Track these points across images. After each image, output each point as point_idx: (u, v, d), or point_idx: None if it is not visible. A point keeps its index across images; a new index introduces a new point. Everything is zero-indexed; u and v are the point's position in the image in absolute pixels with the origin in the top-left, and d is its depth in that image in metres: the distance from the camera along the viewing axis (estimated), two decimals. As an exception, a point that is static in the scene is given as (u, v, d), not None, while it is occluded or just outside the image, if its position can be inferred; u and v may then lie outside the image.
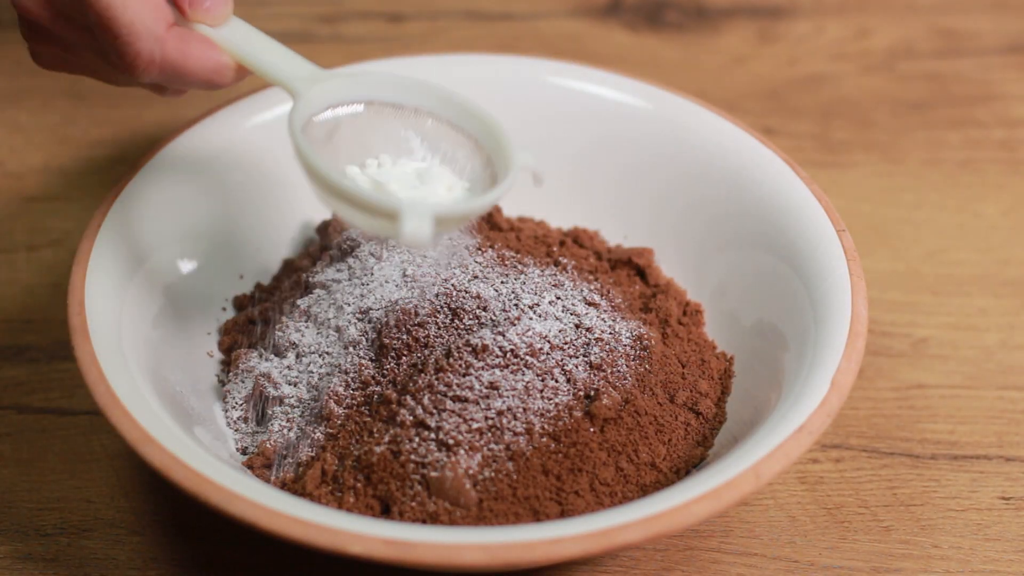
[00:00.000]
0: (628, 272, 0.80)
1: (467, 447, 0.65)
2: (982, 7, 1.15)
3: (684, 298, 0.80)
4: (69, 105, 1.00)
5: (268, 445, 0.70)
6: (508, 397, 0.66)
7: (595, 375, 0.69)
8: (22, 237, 0.89)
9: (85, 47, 0.65)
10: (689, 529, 0.71)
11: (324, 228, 0.81)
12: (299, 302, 0.74)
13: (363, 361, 0.70)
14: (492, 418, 0.66)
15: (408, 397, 0.67)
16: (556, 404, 0.67)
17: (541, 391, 0.67)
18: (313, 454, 0.69)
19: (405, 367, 0.69)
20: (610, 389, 0.69)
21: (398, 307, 0.71)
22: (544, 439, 0.66)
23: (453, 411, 0.66)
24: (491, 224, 0.81)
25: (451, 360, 0.67)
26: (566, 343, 0.70)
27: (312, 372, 0.72)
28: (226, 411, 0.73)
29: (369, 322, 0.72)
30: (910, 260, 0.90)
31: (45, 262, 0.87)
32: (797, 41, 1.11)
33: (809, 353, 0.68)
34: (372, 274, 0.74)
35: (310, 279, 0.75)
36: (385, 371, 0.70)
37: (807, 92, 1.06)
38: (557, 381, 0.68)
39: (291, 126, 0.63)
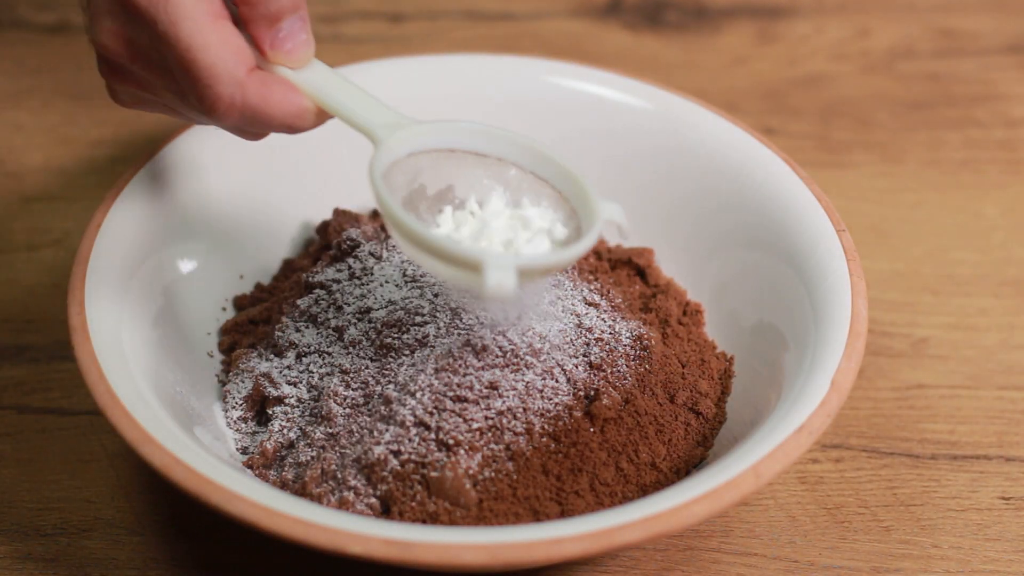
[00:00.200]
0: (628, 272, 0.80)
1: (467, 447, 0.65)
2: (982, 7, 1.15)
3: (684, 298, 0.80)
4: (69, 105, 1.00)
5: (268, 445, 0.70)
6: (508, 397, 0.66)
7: (595, 375, 0.69)
8: (22, 237, 0.89)
9: (164, 87, 0.64)
10: (689, 529, 0.71)
11: (324, 228, 0.81)
12: (299, 302, 0.74)
13: (363, 361, 0.70)
14: (492, 418, 0.66)
15: (408, 397, 0.67)
16: (556, 404, 0.67)
17: (541, 391, 0.67)
18: (313, 454, 0.69)
19: (405, 367, 0.69)
20: (610, 389, 0.68)
21: (398, 307, 0.71)
22: (544, 439, 0.66)
23: (453, 411, 0.66)
24: (491, 224, 0.81)
25: (451, 360, 0.67)
26: (566, 343, 0.70)
27: (312, 372, 0.72)
28: (226, 411, 0.73)
29: (369, 322, 0.72)
30: (910, 260, 0.90)
31: (45, 262, 0.87)
32: (797, 41, 1.11)
33: (809, 353, 0.68)
34: (372, 274, 0.74)
35: (310, 279, 0.75)
36: (385, 371, 0.70)
37: (807, 92, 1.06)
38: (557, 381, 0.68)
39: (372, 173, 0.61)
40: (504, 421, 0.66)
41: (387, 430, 0.66)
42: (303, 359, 0.73)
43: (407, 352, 0.70)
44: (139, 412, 0.63)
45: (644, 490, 0.68)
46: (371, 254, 0.75)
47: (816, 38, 1.12)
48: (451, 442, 0.65)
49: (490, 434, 0.66)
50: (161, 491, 0.72)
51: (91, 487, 0.73)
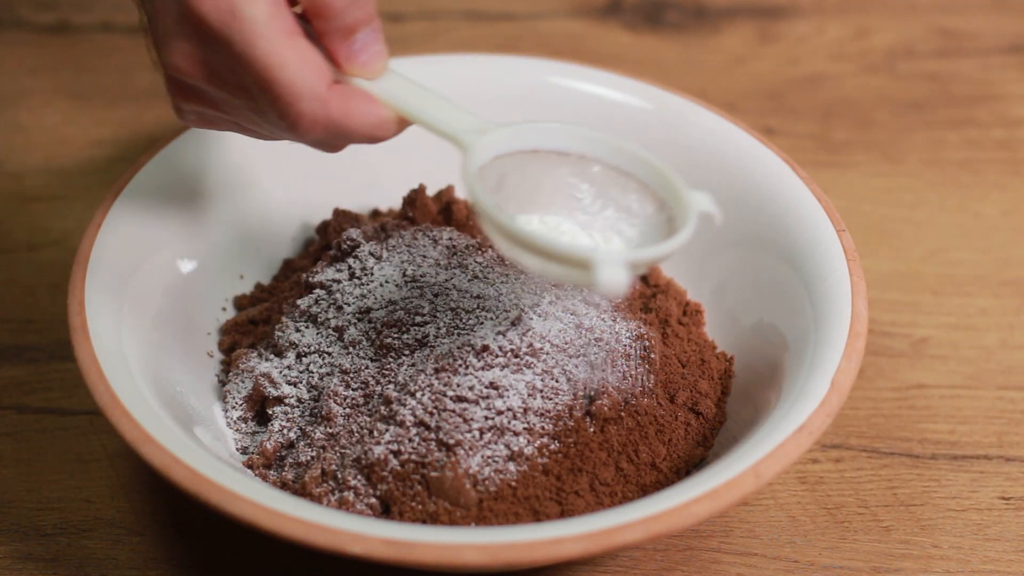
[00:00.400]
0: (628, 272, 0.80)
1: (467, 447, 0.65)
2: (982, 7, 1.15)
3: (684, 298, 0.80)
4: (69, 105, 1.00)
5: (268, 445, 0.70)
6: (508, 397, 0.66)
7: (595, 375, 0.69)
8: (22, 237, 0.89)
9: (240, 107, 0.63)
10: (689, 529, 0.71)
11: (324, 228, 0.81)
12: (299, 302, 0.74)
13: (363, 361, 0.70)
14: (492, 418, 0.66)
15: (408, 397, 0.67)
16: (556, 404, 0.67)
17: (541, 391, 0.67)
18: (313, 454, 0.69)
19: (405, 367, 0.69)
20: (610, 389, 0.69)
21: (398, 307, 0.71)
22: (544, 439, 0.66)
23: (453, 411, 0.66)
24: (491, 224, 0.81)
25: (451, 360, 0.67)
26: (566, 343, 0.70)
27: (312, 372, 0.72)
28: (226, 411, 0.73)
29: (369, 322, 0.72)
30: (910, 260, 0.90)
31: (45, 262, 0.87)
32: (797, 41, 1.11)
33: (809, 353, 0.68)
34: (372, 274, 0.74)
35: (310, 279, 0.75)
36: (385, 371, 0.70)
37: (807, 92, 1.06)
38: (557, 381, 0.68)
39: (468, 181, 0.61)
40: (504, 421, 0.66)
41: (387, 430, 0.66)
42: (303, 359, 0.73)
43: (407, 352, 0.70)
44: (139, 412, 0.63)
45: (644, 490, 0.68)
46: (371, 254, 0.75)
47: (816, 38, 1.12)
48: (451, 442, 0.65)
49: (490, 434, 0.66)
50: (161, 491, 0.72)
51: (91, 487, 0.73)
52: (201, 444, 0.66)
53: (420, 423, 0.66)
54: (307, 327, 0.73)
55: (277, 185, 0.82)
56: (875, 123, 1.02)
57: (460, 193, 0.82)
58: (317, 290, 0.75)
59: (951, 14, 1.14)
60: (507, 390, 0.67)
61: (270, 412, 0.72)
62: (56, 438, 0.76)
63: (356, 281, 0.74)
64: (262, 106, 0.62)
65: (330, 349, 0.72)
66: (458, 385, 0.66)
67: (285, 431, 0.71)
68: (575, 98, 0.84)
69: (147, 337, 0.71)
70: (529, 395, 0.67)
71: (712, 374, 0.74)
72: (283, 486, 0.68)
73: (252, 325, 0.77)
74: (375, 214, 0.84)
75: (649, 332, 0.73)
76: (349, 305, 0.73)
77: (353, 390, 0.70)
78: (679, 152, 0.82)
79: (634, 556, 0.70)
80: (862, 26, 1.13)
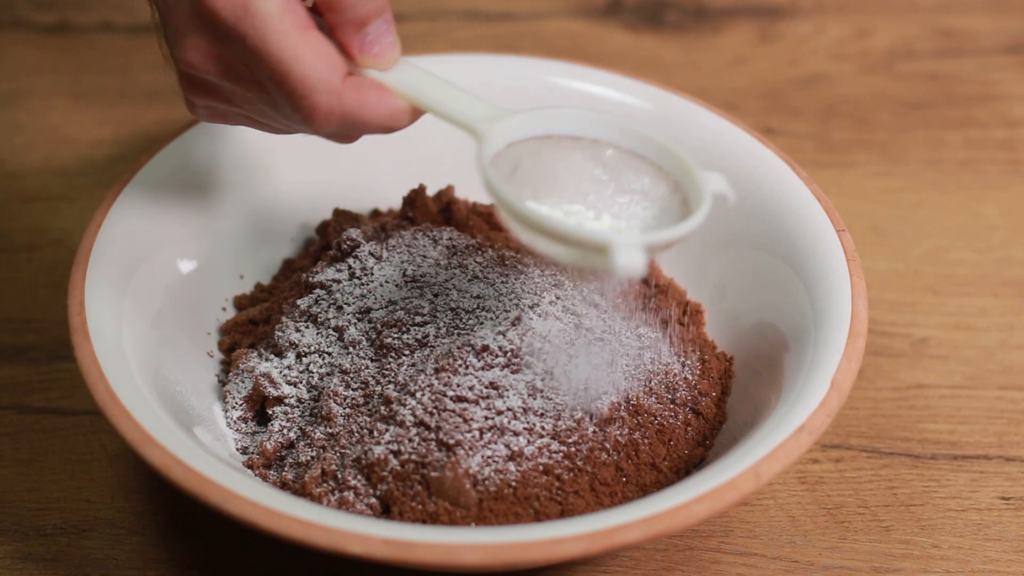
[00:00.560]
0: (628, 272, 0.80)
1: (467, 447, 0.65)
2: (982, 7, 1.15)
3: (684, 298, 0.80)
4: (69, 105, 1.00)
5: (268, 445, 0.70)
6: (508, 397, 0.66)
7: (595, 375, 0.69)
8: (22, 237, 0.89)
9: (254, 100, 0.64)
10: (689, 529, 0.71)
11: (324, 228, 0.81)
12: (299, 302, 0.74)
13: (363, 361, 0.70)
14: (492, 418, 0.66)
15: (408, 397, 0.67)
16: (556, 404, 0.67)
17: (541, 391, 0.67)
18: (313, 454, 0.69)
19: (405, 367, 0.69)
20: (610, 389, 0.69)
21: (398, 307, 0.71)
22: (544, 439, 0.66)
23: (453, 411, 0.66)
24: (491, 224, 0.81)
25: (451, 360, 0.67)
26: (566, 343, 0.70)
27: (312, 372, 0.72)
28: (226, 411, 0.73)
29: (369, 322, 0.72)
30: (910, 260, 0.90)
31: (45, 262, 0.87)
32: (797, 41, 1.11)
33: (809, 353, 0.68)
34: (372, 274, 0.74)
35: (310, 279, 0.75)
36: (385, 371, 0.70)
37: (807, 92, 1.06)
38: (557, 381, 0.68)
39: (483, 168, 0.62)
40: (504, 421, 0.66)
41: (387, 430, 0.66)
42: (303, 359, 0.73)
43: (407, 352, 0.70)
44: (139, 412, 0.63)
45: (644, 490, 0.68)
46: (371, 254, 0.75)
47: (816, 38, 1.12)
48: (451, 442, 0.65)
49: (490, 434, 0.66)
50: (161, 491, 0.72)
51: (91, 487, 0.73)
52: (201, 444, 0.66)
53: (420, 423, 0.66)
54: (307, 327, 0.73)
55: (277, 185, 0.82)
56: (875, 123, 1.02)
57: (460, 193, 0.82)
58: (317, 290, 0.75)
59: (951, 14, 1.14)
60: (507, 390, 0.67)
61: (270, 412, 0.72)
62: (56, 438, 0.76)
63: (356, 281, 0.74)
64: (277, 99, 0.62)
65: (330, 349, 0.72)
66: (458, 385, 0.66)
67: (285, 431, 0.71)
68: (575, 98, 0.84)
69: (147, 337, 0.71)
70: (529, 395, 0.67)
71: (712, 374, 0.74)
72: (283, 486, 0.68)
73: (252, 325, 0.77)
74: (375, 214, 0.84)
75: (650, 332, 0.73)
76: (349, 305, 0.73)
77: (353, 390, 0.70)
78: (679, 152, 0.82)
79: (634, 556, 0.70)
80: (862, 26, 1.13)
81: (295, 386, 0.72)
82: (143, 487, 0.73)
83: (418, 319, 0.70)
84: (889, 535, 0.72)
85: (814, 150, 0.99)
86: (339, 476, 0.67)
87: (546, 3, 1.14)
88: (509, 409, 0.66)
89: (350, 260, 0.75)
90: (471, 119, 0.64)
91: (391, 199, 0.84)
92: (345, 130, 0.64)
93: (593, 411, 0.68)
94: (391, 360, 0.70)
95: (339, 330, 0.72)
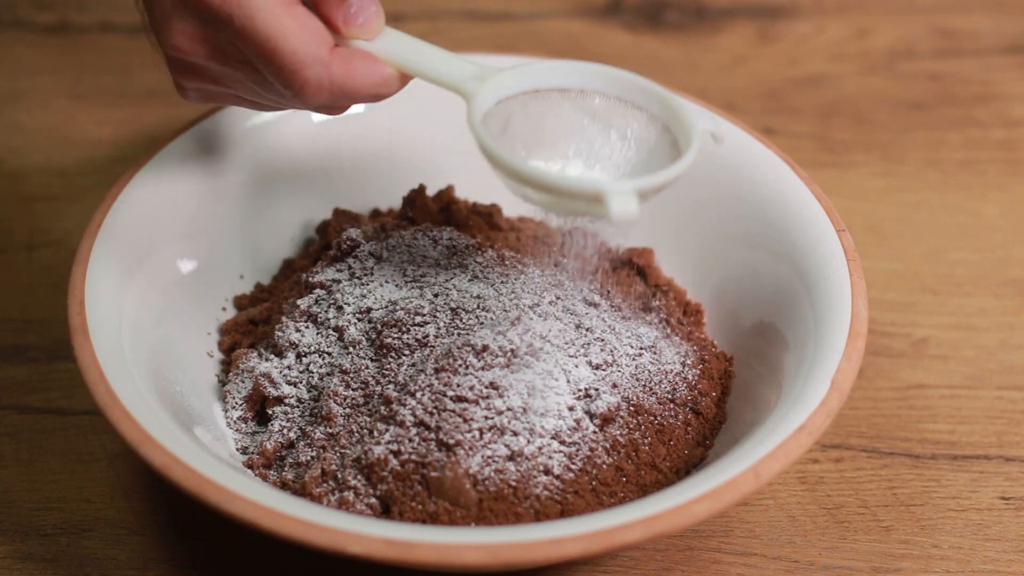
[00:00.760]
0: (628, 272, 0.80)
1: (467, 447, 0.65)
2: (982, 7, 1.15)
3: (684, 298, 0.80)
4: (69, 105, 1.00)
5: (268, 445, 0.70)
6: (508, 397, 0.66)
7: (595, 375, 0.69)
8: (22, 237, 0.89)
9: (243, 79, 0.65)
10: (689, 529, 0.71)
11: (324, 228, 0.81)
12: (299, 302, 0.74)
13: (363, 361, 0.70)
14: (492, 418, 0.66)
15: (408, 397, 0.67)
16: (556, 404, 0.67)
17: (541, 391, 0.67)
18: (313, 454, 0.69)
19: (405, 367, 0.69)
20: (610, 389, 0.69)
21: (398, 307, 0.71)
22: (544, 439, 0.66)
23: (453, 411, 0.66)
24: (491, 224, 0.81)
25: (451, 360, 0.67)
26: (566, 343, 0.70)
27: (312, 372, 0.72)
28: (226, 411, 0.73)
29: (369, 322, 0.72)
30: (910, 260, 0.90)
31: (45, 262, 0.87)
32: (797, 41, 1.11)
33: (809, 353, 0.68)
34: (372, 274, 0.74)
35: (310, 279, 0.75)
36: (385, 371, 0.70)
37: (807, 92, 1.06)
38: (557, 381, 0.68)
39: (474, 127, 0.63)
40: (504, 421, 0.66)
41: (387, 430, 0.66)
42: (303, 359, 0.73)
43: (407, 352, 0.70)
44: (139, 412, 0.63)
45: (644, 490, 0.68)
46: (371, 254, 0.75)
47: (816, 38, 1.12)
48: (451, 442, 0.65)
49: (490, 434, 0.66)
50: (161, 491, 0.72)
51: (91, 487, 0.73)
52: (201, 444, 0.66)
53: (420, 423, 0.66)
54: (307, 327, 0.73)
55: (277, 185, 0.82)
56: (875, 123, 1.02)
57: (460, 193, 0.82)
58: (317, 290, 0.75)
59: (951, 14, 1.14)
60: (507, 390, 0.67)
61: (270, 412, 0.72)
62: (56, 438, 0.76)
63: (356, 281, 0.74)
64: (266, 77, 0.63)
65: (330, 349, 0.72)
66: (458, 385, 0.66)
67: (285, 431, 0.71)
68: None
69: (147, 337, 0.71)
70: (529, 395, 0.67)
71: (712, 374, 0.74)
72: (283, 486, 0.68)
73: (252, 325, 0.77)
74: (375, 214, 0.84)
75: (649, 332, 0.73)
76: (349, 305, 0.73)
77: (353, 390, 0.70)
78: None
79: (634, 556, 0.70)
80: (862, 26, 1.13)
81: (295, 386, 0.72)
82: (143, 487, 0.73)
83: (418, 319, 0.70)
84: (889, 535, 0.72)
85: (814, 150, 0.99)
86: (339, 476, 0.67)
87: (546, 3, 1.14)
88: (509, 409, 0.66)
89: (350, 260, 0.75)
90: (459, 80, 0.65)
91: (391, 199, 0.84)
92: (335, 101, 0.65)
93: (593, 411, 0.68)
94: (391, 360, 0.70)
95: (339, 330, 0.72)
